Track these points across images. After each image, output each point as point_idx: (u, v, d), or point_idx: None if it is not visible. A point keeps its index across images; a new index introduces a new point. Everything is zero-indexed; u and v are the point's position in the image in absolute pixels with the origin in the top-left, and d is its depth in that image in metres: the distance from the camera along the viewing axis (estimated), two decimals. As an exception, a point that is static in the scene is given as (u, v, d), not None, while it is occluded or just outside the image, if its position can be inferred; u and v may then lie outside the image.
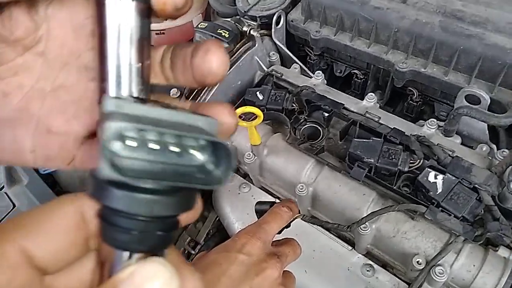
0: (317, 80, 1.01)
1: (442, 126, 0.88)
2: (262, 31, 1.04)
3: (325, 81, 1.04)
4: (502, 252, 0.72)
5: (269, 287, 0.55)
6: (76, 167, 0.30)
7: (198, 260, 0.59)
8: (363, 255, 0.88)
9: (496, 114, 0.77)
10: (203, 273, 0.53)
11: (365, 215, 0.81)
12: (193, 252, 1.09)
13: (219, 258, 0.55)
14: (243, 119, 0.85)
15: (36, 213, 0.24)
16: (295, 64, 1.05)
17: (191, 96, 0.95)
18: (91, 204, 0.25)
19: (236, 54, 0.99)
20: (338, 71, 1.11)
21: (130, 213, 0.22)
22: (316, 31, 1.01)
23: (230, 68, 0.98)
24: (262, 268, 0.55)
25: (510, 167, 0.75)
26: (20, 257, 0.23)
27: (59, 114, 0.28)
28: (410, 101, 0.99)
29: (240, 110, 0.81)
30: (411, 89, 0.97)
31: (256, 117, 0.83)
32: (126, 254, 0.24)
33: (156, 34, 1.21)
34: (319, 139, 0.94)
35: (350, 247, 0.89)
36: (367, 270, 0.85)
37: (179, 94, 0.93)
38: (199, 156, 0.23)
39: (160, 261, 0.23)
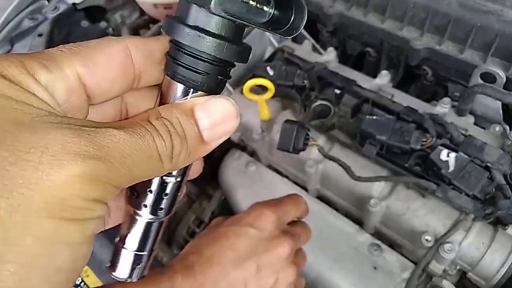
0: (329, 57, 0.99)
1: (455, 106, 0.87)
2: (273, 6, 1.02)
3: (337, 59, 1.02)
4: (511, 230, 0.71)
5: (278, 265, 0.53)
6: None
7: (210, 230, 0.58)
8: (370, 234, 0.87)
9: (511, 93, 0.76)
10: (211, 244, 0.52)
11: (375, 193, 0.81)
12: (197, 230, 1.09)
13: (229, 231, 0.53)
14: (253, 93, 0.84)
15: (90, 46, 0.27)
16: (306, 40, 1.03)
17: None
18: (137, 46, 0.28)
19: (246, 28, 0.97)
20: (351, 49, 1.09)
21: (203, 52, 0.27)
22: (329, 6, 0.98)
23: (240, 43, 0.96)
24: (273, 244, 0.53)
25: (525, 146, 0.74)
26: (76, 81, 0.26)
27: None
28: (424, 81, 0.98)
29: (251, 83, 0.79)
30: (424, 68, 0.95)
31: (267, 90, 0.81)
32: (186, 91, 0.29)
33: (165, 8, 1.19)
34: (330, 116, 0.93)
35: (357, 227, 0.89)
36: (375, 250, 0.85)
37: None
38: (269, 9, 0.29)
39: (230, 100, 0.29)
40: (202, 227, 1.11)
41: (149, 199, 0.32)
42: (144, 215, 0.32)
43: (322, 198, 0.94)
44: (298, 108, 0.92)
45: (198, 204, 1.14)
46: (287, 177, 0.99)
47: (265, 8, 0.29)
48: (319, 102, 0.95)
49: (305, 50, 1.01)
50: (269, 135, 0.91)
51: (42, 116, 0.23)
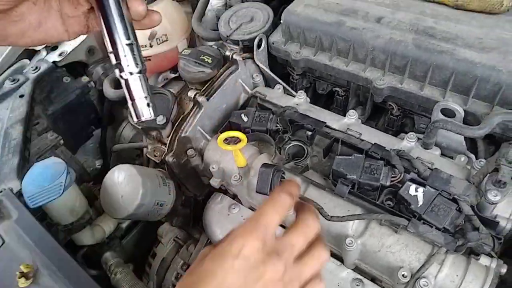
0: (300, 100, 1.04)
1: (421, 139, 0.91)
2: (244, 55, 1.07)
3: (308, 100, 1.06)
4: (484, 260, 0.73)
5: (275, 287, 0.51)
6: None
7: (197, 264, 0.55)
8: (352, 270, 0.89)
9: (470, 126, 0.80)
10: (200, 285, 0.50)
11: (350, 231, 0.83)
12: (186, 275, 1.10)
13: (214, 267, 0.51)
14: (228, 143, 0.88)
15: None
16: (278, 84, 1.08)
17: (178, 121, 0.97)
18: None
19: (220, 79, 1.02)
20: (321, 89, 1.14)
21: None
22: (297, 52, 1.04)
23: (214, 92, 1.01)
24: (261, 272, 0.51)
25: (487, 176, 0.77)
26: None
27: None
28: (391, 116, 1.02)
29: (225, 135, 0.83)
30: (390, 104, 1.00)
31: (241, 140, 0.85)
32: None
33: (143, 60, 1.24)
34: (304, 157, 0.96)
35: (339, 262, 0.91)
36: (357, 285, 0.86)
37: (165, 121, 0.95)
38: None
39: None
40: (190, 272, 1.12)
41: None
42: None
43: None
44: (273, 151, 0.96)
45: (185, 249, 1.15)
46: (268, 218, 1.01)
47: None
48: (292, 144, 0.98)
49: (276, 93, 1.06)
50: (246, 179, 0.94)
51: None
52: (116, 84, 1.38)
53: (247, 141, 0.97)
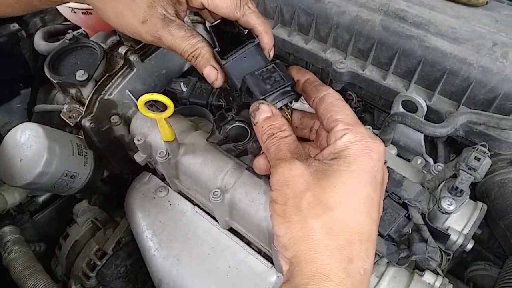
0: (251, 76, 0.91)
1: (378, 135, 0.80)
2: (195, 18, 0.94)
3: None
4: (428, 277, 0.63)
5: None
6: None
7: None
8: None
9: (432, 124, 0.70)
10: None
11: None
12: (99, 263, 0.95)
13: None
14: (160, 111, 0.73)
15: None
16: (230, 57, 0.95)
17: (102, 79, 0.82)
18: None
19: (161, 39, 0.87)
20: (279, 70, 1.02)
21: None
22: (254, 23, 0.91)
23: (152, 53, 0.87)
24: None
25: (443, 182, 0.67)
26: None
27: None
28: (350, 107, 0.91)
29: (146, 98, 0.68)
30: (350, 93, 0.89)
31: (167, 108, 0.71)
32: None
33: (83, 13, 1.08)
34: (246, 140, 0.83)
35: (270, 264, 0.79)
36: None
37: (86, 77, 0.80)
38: None
39: None
40: (105, 260, 0.97)
41: None
42: None
43: (234, 230, 0.84)
44: (211, 129, 0.82)
45: (102, 233, 1.00)
46: (198, 205, 0.88)
47: None
48: (236, 124, 0.85)
49: (226, 67, 0.92)
50: (175, 158, 0.80)
51: None
52: (54, 39, 1.21)
53: (184, 115, 0.84)
